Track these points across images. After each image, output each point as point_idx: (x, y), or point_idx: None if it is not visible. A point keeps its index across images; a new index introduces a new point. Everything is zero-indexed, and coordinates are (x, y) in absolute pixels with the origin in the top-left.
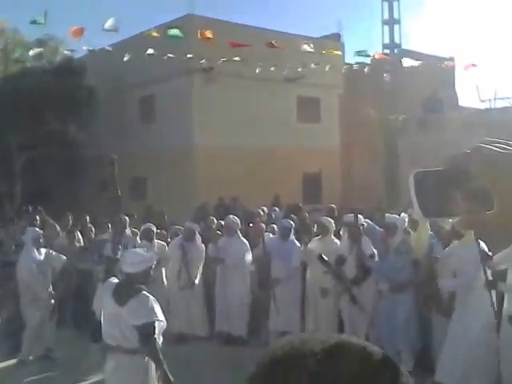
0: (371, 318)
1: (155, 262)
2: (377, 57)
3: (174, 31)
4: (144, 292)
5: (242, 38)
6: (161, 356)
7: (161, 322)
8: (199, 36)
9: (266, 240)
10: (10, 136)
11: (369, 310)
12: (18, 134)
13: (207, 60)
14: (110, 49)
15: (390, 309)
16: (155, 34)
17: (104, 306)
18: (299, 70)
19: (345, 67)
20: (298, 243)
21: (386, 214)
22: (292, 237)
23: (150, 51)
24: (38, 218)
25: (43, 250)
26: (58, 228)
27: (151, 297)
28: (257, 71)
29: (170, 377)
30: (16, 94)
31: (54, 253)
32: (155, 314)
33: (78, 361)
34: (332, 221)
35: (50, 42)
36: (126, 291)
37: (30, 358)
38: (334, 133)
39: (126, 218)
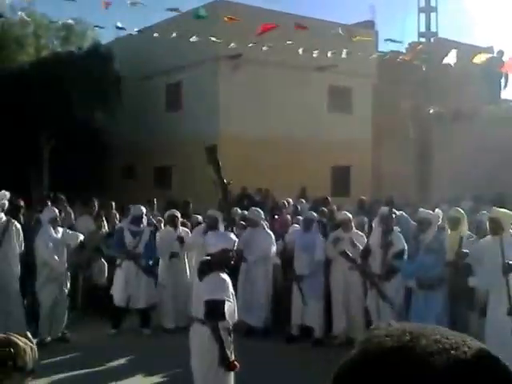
0: (399, 315)
1: (235, 245)
2: (411, 45)
3: (201, 12)
4: (219, 272)
5: (269, 23)
6: (221, 335)
7: (229, 303)
8: (226, 22)
9: (288, 233)
10: (39, 123)
11: (396, 307)
12: (46, 121)
13: (234, 46)
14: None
15: (421, 307)
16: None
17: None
18: (329, 55)
19: (378, 56)
20: (321, 236)
21: (420, 209)
22: (315, 229)
23: (176, 35)
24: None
25: (60, 229)
26: (73, 216)
27: (226, 278)
28: (285, 58)
29: (228, 355)
30: (44, 80)
31: (70, 231)
32: (225, 293)
33: (93, 344)
34: (350, 214)
35: (77, 27)
36: (205, 268)
37: (49, 339)
38: (365, 124)
39: (143, 208)
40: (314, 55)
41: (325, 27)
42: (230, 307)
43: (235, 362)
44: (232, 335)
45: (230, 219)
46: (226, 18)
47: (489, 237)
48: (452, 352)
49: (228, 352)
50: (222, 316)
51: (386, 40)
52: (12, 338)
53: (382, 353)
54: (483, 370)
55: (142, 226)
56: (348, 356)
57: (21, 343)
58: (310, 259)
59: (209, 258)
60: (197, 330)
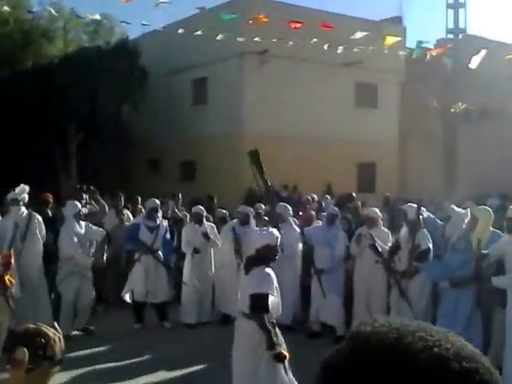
0: (416, 314)
1: (278, 240)
2: (439, 42)
3: (227, 15)
4: (264, 266)
5: (297, 19)
6: (268, 325)
7: (273, 297)
8: (252, 17)
9: (307, 228)
10: (66, 117)
11: (418, 307)
12: (73, 116)
13: (260, 42)
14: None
15: (451, 307)
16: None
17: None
18: (355, 50)
19: (406, 52)
20: (343, 231)
21: (447, 206)
22: (338, 224)
23: (200, 32)
24: (85, 196)
25: (83, 224)
26: (107, 208)
27: (271, 272)
28: (311, 54)
29: (276, 346)
30: (72, 75)
31: (93, 227)
32: (269, 287)
33: (118, 337)
34: (378, 211)
35: (105, 22)
36: (250, 263)
37: (74, 332)
38: (392, 121)
39: (157, 201)
40: (339, 51)
41: (352, 24)
42: (274, 301)
43: (284, 352)
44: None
45: (274, 220)
46: (252, 15)
47: (507, 236)
48: (435, 349)
49: (276, 343)
50: (266, 309)
51: (419, 43)
52: (42, 328)
53: (369, 350)
54: (464, 368)
55: (157, 220)
56: (336, 349)
57: (50, 333)
58: (331, 254)
59: (253, 253)
60: (242, 324)
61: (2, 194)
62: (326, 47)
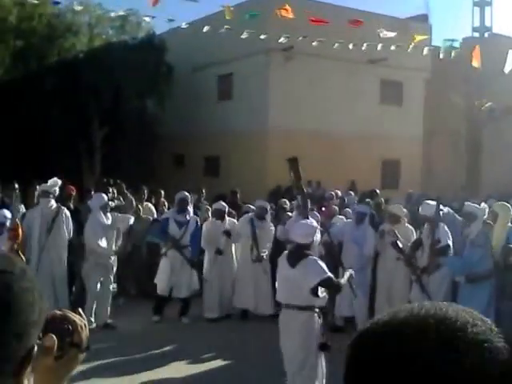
0: None
1: (318, 231)
2: (465, 40)
3: (252, 13)
4: (310, 255)
5: (322, 17)
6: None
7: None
8: (278, 14)
9: (338, 225)
10: (92, 110)
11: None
12: (98, 109)
13: (286, 38)
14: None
15: (467, 302)
16: (232, 12)
17: (279, 270)
18: (379, 49)
19: (431, 50)
20: (372, 230)
21: (466, 203)
22: (366, 223)
23: (224, 29)
24: (112, 189)
25: (110, 215)
26: (134, 202)
27: (317, 258)
28: (336, 50)
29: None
30: (99, 69)
31: (120, 215)
32: (325, 270)
33: (139, 330)
34: (402, 208)
35: (131, 18)
36: (295, 255)
37: (94, 325)
38: (416, 119)
39: (187, 193)
40: (364, 48)
41: (377, 21)
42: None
43: (327, 343)
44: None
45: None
46: (277, 12)
47: None
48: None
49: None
50: (339, 288)
51: (446, 40)
52: (68, 314)
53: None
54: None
55: (188, 216)
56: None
57: (77, 320)
58: (360, 253)
59: (295, 245)
60: (293, 317)
61: (28, 187)
62: (351, 46)
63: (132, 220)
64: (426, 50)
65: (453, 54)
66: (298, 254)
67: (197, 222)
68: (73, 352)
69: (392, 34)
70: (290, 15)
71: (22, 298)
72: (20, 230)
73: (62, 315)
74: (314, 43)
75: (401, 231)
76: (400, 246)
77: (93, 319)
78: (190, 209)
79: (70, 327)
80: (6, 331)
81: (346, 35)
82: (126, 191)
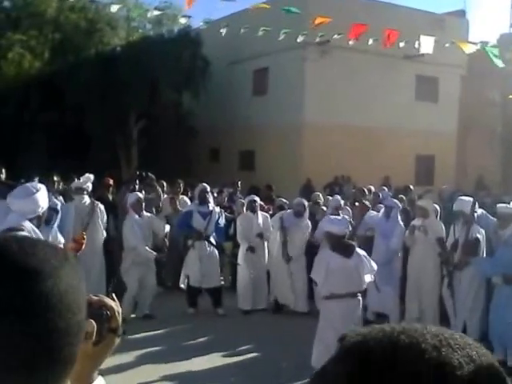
0: (471, 307)
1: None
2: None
3: (290, 9)
4: (355, 246)
5: (358, 12)
6: None
7: None
8: (314, 9)
9: (366, 218)
10: (129, 104)
11: (468, 302)
12: (136, 102)
13: (321, 34)
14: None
15: (503, 303)
16: (267, 6)
17: (329, 262)
18: (416, 46)
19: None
20: (402, 224)
21: (499, 205)
22: (396, 217)
23: (263, 26)
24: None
25: (146, 214)
26: (162, 196)
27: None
28: (372, 45)
29: None
30: (135, 63)
31: (157, 219)
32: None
33: (175, 321)
34: (432, 203)
35: (168, 11)
36: (345, 247)
37: (132, 315)
38: (452, 115)
39: (206, 184)
40: (401, 44)
41: (414, 16)
42: None
43: None
44: None
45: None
46: (313, 22)
47: None
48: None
49: None
50: None
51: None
52: (106, 300)
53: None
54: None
55: (210, 206)
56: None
57: (114, 305)
58: (386, 247)
59: (337, 238)
60: (352, 303)
61: (66, 179)
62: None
63: (167, 228)
64: (462, 46)
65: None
66: (346, 245)
67: (220, 212)
68: (109, 337)
69: (428, 29)
70: (327, 20)
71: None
72: (84, 242)
73: (99, 301)
74: (350, 42)
75: (431, 226)
76: (443, 240)
77: (130, 312)
78: (211, 199)
79: (108, 313)
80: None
81: (383, 30)
82: (155, 184)
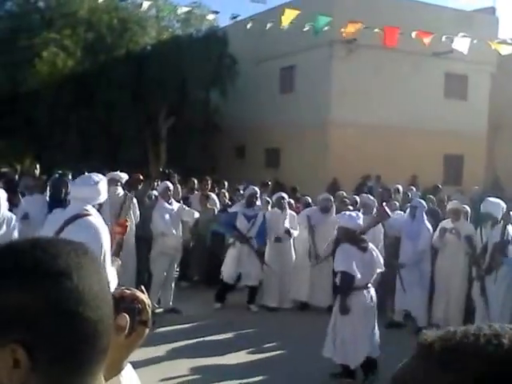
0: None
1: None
2: None
3: (322, 20)
4: (348, 243)
5: (385, 9)
6: None
7: None
8: (343, 33)
9: (391, 220)
10: (158, 102)
11: (497, 305)
12: (165, 100)
13: (347, 31)
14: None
15: None
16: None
17: (350, 256)
18: (443, 40)
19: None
20: (428, 225)
21: None
22: (422, 217)
23: (290, 23)
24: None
25: (176, 204)
26: (181, 193)
27: (355, 248)
28: (400, 43)
29: None
30: (165, 61)
31: (186, 208)
32: (347, 265)
33: (202, 316)
34: (462, 204)
35: (196, 10)
36: (360, 241)
37: (160, 310)
38: (481, 113)
39: (256, 188)
40: (427, 41)
41: (442, 13)
42: None
43: None
44: None
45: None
46: (343, 32)
47: None
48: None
49: None
50: None
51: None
52: (137, 293)
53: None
54: None
55: (256, 209)
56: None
57: (144, 298)
58: (414, 248)
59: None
60: (371, 294)
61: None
62: (413, 35)
63: (197, 214)
64: (497, 47)
65: None
66: (360, 239)
67: (264, 215)
68: (140, 329)
69: (457, 26)
70: (358, 26)
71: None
72: (128, 225)
73: (131, 294)
74: (376, 30)
75: (461, 227)
76: (473, 242)
77: (157, 304)
78: (258, 203)
79: (139, 306)
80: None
81: (411, 27)
82: (176, 181)
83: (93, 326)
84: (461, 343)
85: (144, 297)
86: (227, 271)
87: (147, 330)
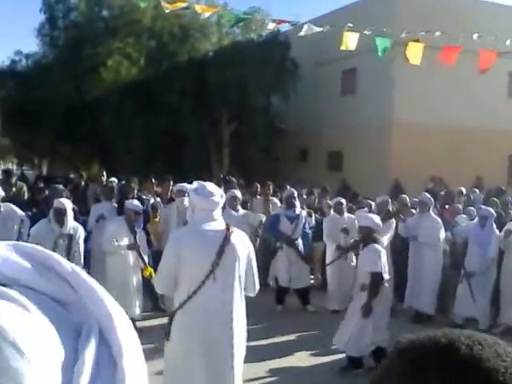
0: None
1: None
2: None
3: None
4: (374, 243)
5: (444, 9)
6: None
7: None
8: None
9: (463, 225)
10: (220, 107)
11: None
12: (227, 106)
13: (410, 32)
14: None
15: None
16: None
17: (380, 256)
18: (507, 43)
19: None
20: (497, 231)
21: None
22: (491, 225)
23: (349, 26)
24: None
25: (242, 211)
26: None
27: (381, 249)
28: (462, 43)
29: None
30: (227, 67)
31: (251, 213)
32: (379, 266)
33: (261, 318)
34: None
35: (256, 15)
36: (360, 241)
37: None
38: None
39: (293, 189)
40: (490, 39)
41: (503, 11)
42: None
43: None
44: None
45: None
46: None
47: None
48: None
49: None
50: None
51: None
52: None
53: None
54: None
55: (297, 210)
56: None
57: None
58: (483, 256)
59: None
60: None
61: (162, 181)
62: (475, 37)
63: (264, 218)
64: None
65: None
66: (378, 239)
67: (306, 216)
68: None
69: None
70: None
71: None
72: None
73: None
74: (437, 33)
75: None
76: None
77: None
78: (298, 203)
79: None
80: None
81: (472, 27)
82: (236, 186)
83: None
84: (425, 347)
85: None
86: (281, 274)
87: None
